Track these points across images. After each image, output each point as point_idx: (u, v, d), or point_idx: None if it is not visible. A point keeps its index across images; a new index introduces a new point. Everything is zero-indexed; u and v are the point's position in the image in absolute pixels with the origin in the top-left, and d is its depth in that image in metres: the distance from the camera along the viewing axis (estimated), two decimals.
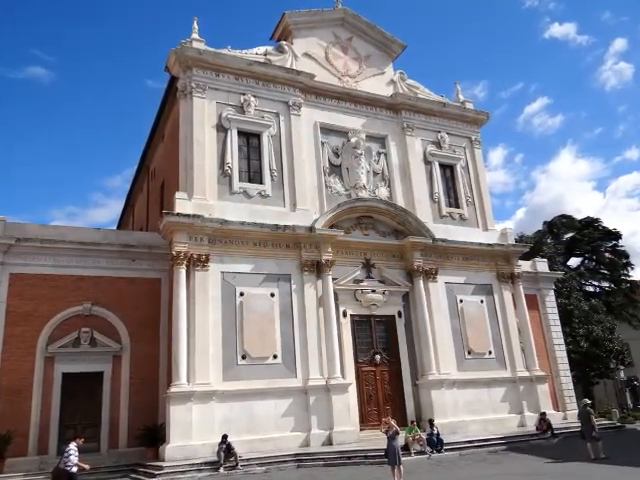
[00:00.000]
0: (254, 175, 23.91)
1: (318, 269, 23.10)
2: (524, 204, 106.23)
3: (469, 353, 25.57)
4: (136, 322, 22.05)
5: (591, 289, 48.81)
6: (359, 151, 26.12)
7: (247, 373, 20.62)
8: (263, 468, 17.66)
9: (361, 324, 24.14)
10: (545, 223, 51.16)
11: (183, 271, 20.62)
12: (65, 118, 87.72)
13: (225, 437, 17.93)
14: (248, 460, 17.90)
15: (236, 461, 17.60)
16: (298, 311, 22.30)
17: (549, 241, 47.64)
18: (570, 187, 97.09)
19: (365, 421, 22.65)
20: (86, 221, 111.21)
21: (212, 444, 18.34)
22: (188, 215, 21.02)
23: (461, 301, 26.29)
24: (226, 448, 17.71)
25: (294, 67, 26.05)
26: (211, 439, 18.60)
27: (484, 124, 31.35)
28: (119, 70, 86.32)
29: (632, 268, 48.11)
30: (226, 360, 20.42)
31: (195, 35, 24.13)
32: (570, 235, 49.69)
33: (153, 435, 20.13)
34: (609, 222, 74.57)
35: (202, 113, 23.23)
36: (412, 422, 21.17)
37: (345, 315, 23.65)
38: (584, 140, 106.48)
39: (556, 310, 31.45)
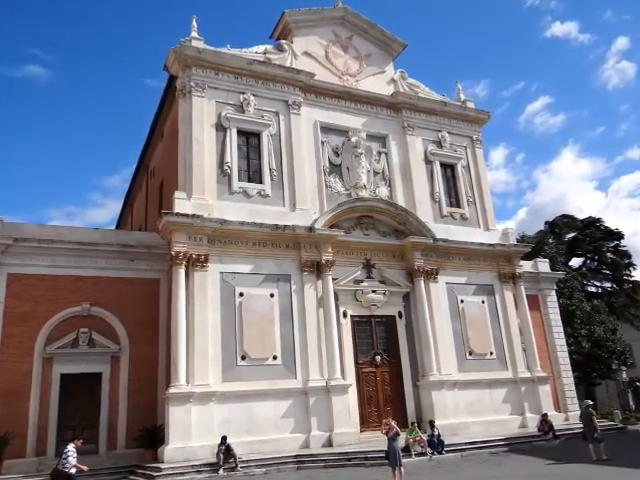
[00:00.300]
0: (253, 175, 23.79)
1: (318, 269, 22.97)
2: (525, 204, 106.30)
3: (470, 354, 25.44)
4: (135, 323, 21.93)
5: (593, 289, 48.72)
6: (359, 150, 25.99)
7: (247, 374, 20.50)
8: (263, 469, 17.58)
9: (361, 325, 24.01)
10: (547, 223, 51.07)
11: (182, 271, 20.51)
12: (64, 117, 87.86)
13: (224, 438, 17.82)
14: (247, 461, 17.82)
15: (235, 462, 17.51)
16: (298, 312, 22.18)
17: (551, 241, 47.52)
18: (572, 187, 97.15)
19: (365, 422, 22.51)
20: (84, 221, 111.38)
21: (211, 445, 18.23)
22: (187, 215, 20.91)
23: (462, 301, 26.15)
24: (225, 449, 17.61)
25: (294, 66, 25.93)
26: (210, 440, 18.48)
27: (485, 123, 31.23)
28: (118, 69, 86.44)
29: (634, 268, 48.18)
30: (225, 361, 20.31)
31: (194, 34, 24.01)
32: (572, 235, 49.59)
33: (152, 436, 19.99)
34: (611, 222, 74.60)
35: (201, 112, 23.12)
36: (413, 423, 21.04)
37: (345, 316, 23.52)
38: (586, 139, 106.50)
39: (558, 310, 31.28)
